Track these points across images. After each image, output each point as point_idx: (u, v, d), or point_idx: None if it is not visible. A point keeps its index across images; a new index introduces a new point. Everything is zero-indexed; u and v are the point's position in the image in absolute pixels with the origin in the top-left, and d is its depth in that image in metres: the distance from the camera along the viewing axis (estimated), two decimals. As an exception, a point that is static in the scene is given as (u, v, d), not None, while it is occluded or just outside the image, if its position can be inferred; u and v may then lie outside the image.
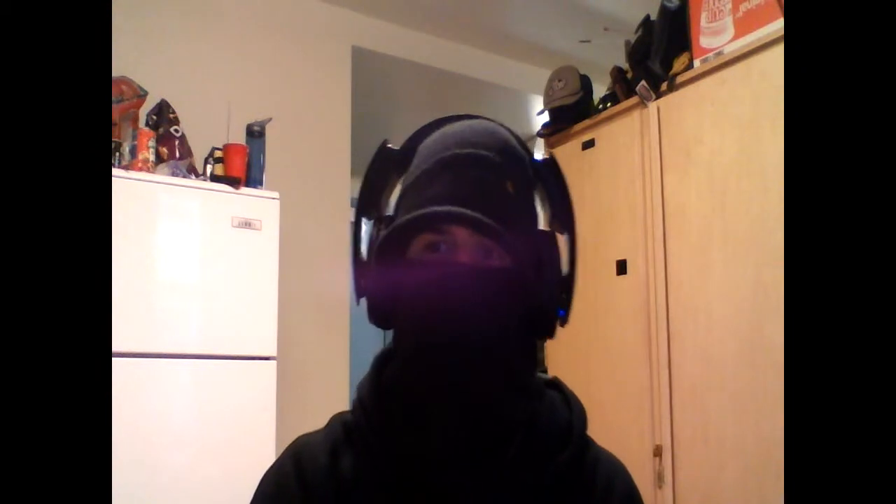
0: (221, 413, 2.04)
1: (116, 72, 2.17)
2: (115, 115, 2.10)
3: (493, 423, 0.65)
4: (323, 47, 2.99)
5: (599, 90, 2.61)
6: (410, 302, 0.65)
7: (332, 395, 2.76)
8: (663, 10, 2.25)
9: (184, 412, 2.01)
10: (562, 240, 0.69)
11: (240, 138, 2.29)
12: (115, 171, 1.98)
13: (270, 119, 2.33)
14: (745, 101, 1.93)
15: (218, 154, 2.23)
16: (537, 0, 3.01)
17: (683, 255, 2.07)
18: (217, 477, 1.99)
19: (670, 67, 2.19)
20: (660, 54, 2.22)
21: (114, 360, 1.84)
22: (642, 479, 2.07)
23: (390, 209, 0.72)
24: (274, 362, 2.14)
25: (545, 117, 2.68)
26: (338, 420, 0.72)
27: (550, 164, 0.71)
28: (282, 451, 0.73)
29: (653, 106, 2.21)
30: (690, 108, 2.10)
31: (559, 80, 2.61)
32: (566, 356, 2.34)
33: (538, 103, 2.83)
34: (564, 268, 0.69)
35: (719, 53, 2.03)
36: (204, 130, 2.34)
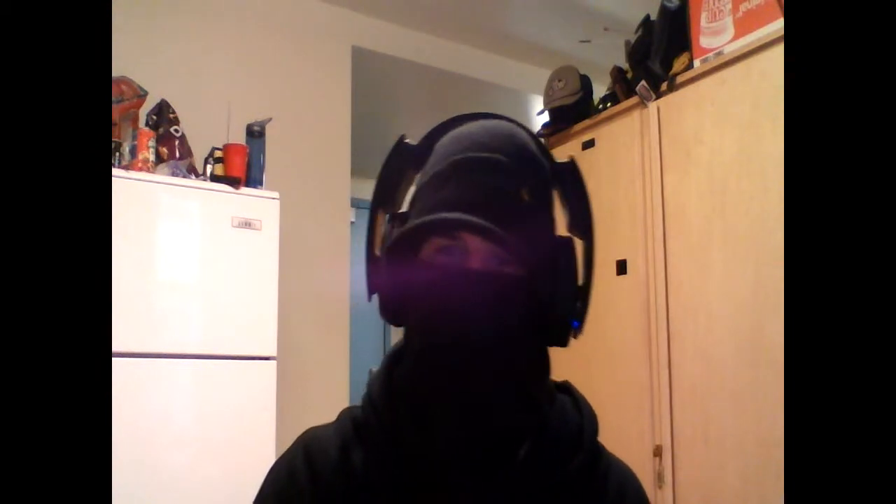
0: (221, 413, 2.04)
1: (116, 72, 2.17)
2: (115, 115, 2.10)
3: (497, 426, 0.65)
4: (323, 47, 2.99)
5: (599, 90, 2.61)
6: (417, 302, 0.65)
7: (332, 395, 2.76)
8: (663, 10, 2.25)
9: (184, 412, 2.01)
10: (579, 245, 0.69)
11: (240, 138, 2.29)
12: (115, 171, 1.98)
13: (270, 119, 2.33)
14: (745, 100, 1.93)
15: (218, 154, 2.23)
16: (537, 0, 3.01)
17: (683, 255, 2.07)
18: (217, 477, 1.99)
19: (670, 67, 2.19)
20: (660, 54, 2.22)
21: (114, 360, 1.84)
22: (642, 479, 2.06)
23: (405, 205, 0.71)
24: (274, 362, 2.14)
25: (545, 117, 2.68)
26: (347, 415, 0.72)
27: (570, 167, 0.70)
28: (282, 451, 0.73)
29: (653, 106, 2.21)
30: (690, 108, 2.10)
31: (559, 80, 2.61)
32: (566, 356, 2.33)
33: (538, 103, 2.83)
34: (580, 275, 0.68)
35: (719, 53, 2.03)
36: (204, 130, 2.34)
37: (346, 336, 2.87)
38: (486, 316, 0.63)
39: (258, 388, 2.10)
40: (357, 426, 0.70)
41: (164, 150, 2.18)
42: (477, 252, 0.64)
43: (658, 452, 2.07)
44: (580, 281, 0.68)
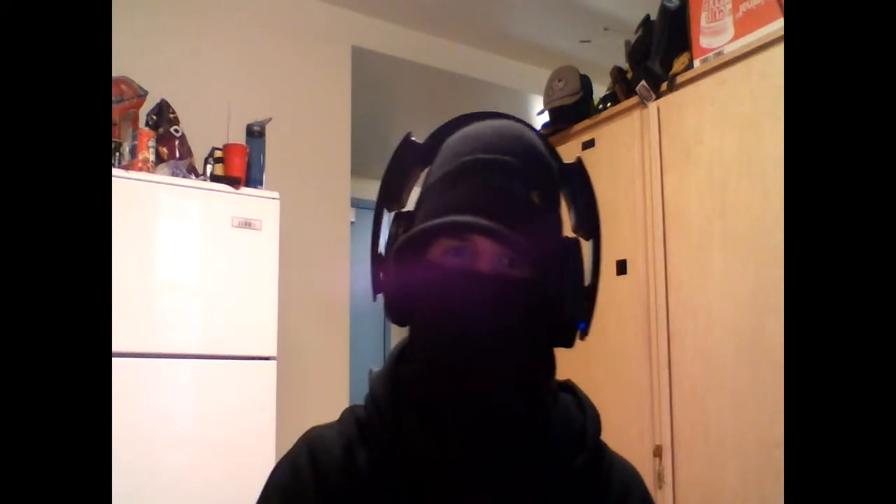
0: (221, 413, 2.04)
1: (116, 72, 2.17)
2: (115, 115, 2.10)
3: (501, 427, 0.65)
4: (323, 47, 2.99)
5: (599, 90, 2.61)
6: (421, 302, 0.66)
7: (332, 395, 2.76)
8: (663, 10, 2.25)
9: (184, 412, 2.01)
10: (586, 246, 0.69)
11: (240, 138, 2.29)
12: (115, 171, 1.98)
13: (270, 119, 2.33)
14: (745, 100, 1.93)
15: (218, 154, 2.23)
16: (537, 0, 3.01)
17: (683, 255, 2.07)
18: (217, 477, 1.98)
19: (670, 67, 2.19)
20: (660, 54, 2.22)
21: (114, 360, 1.84)
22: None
23: (411, 204, 0.71)
24: (274, 362, 2.14)
25: (545, 117, 2.68)
26: (350, 415, 0.72)
27: (577, 168, 0.70)
28: (282, 451, 0.73)
29: (653, 106, 2.21)
30: (690, 108, 2.10)
31: (559, 80, 2.61)
32: (566, 356, 2.33)
33: (538, 103, 2.83)
34: (587, 276, 0.68)
35: (719, 53, 2.03)
36: (204, 130, 2.34)
37: (346, 336, 2.87)
38: (485, 316, 0.63)
39: (258, 388, 2.10)
40: (361, 426, 0.70)
41: (164, 150, 2.19)
42: (486, 254, 0.64)
43: (658, 452, 2.07)
44: (587, 282, 0.68)
